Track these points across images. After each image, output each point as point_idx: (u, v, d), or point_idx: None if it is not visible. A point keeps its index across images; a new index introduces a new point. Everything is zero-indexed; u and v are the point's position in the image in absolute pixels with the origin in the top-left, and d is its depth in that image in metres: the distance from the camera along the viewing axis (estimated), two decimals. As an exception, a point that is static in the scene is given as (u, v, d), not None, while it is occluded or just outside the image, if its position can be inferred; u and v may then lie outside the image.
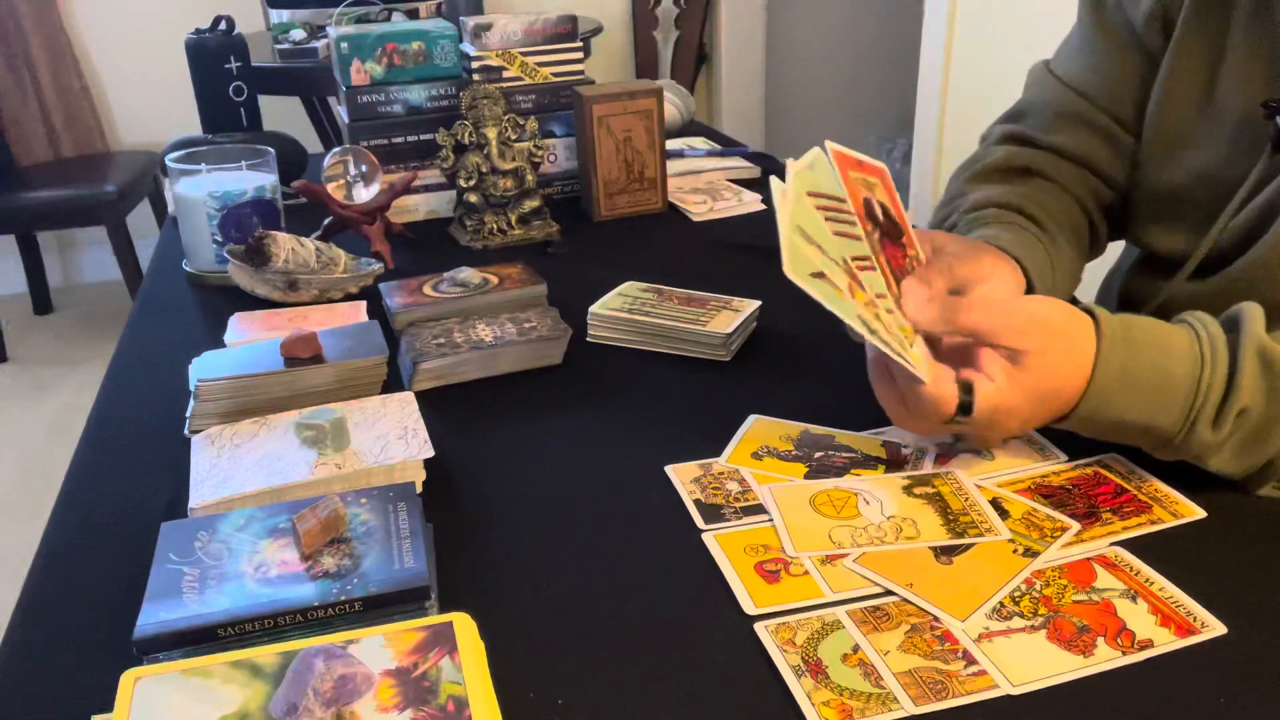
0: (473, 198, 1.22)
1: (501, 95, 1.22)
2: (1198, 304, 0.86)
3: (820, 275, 0.64)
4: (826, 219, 0.68)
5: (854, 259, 0.68)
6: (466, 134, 1.21)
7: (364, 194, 1.18)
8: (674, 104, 1.63)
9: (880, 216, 0.71)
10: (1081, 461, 0.73)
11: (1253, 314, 0.67)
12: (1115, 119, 0.92)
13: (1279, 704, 0.52)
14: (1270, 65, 0.80)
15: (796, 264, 0.63)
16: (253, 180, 1.13)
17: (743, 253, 1.18)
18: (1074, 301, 0.76)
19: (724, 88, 3.96)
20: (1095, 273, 1.07)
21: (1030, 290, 0.81)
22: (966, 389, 0.65)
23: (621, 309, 0.95)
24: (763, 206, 1.32)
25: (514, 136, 1.23)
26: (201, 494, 0.68)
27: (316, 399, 0.80)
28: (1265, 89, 0.80)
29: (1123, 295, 0.97)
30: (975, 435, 0.71)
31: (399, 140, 1.27)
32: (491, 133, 1.21)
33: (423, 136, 1.28)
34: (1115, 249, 1.04)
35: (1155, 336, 0.66)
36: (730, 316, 0.93)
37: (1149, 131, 0.89)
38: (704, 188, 1.40)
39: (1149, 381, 0.65)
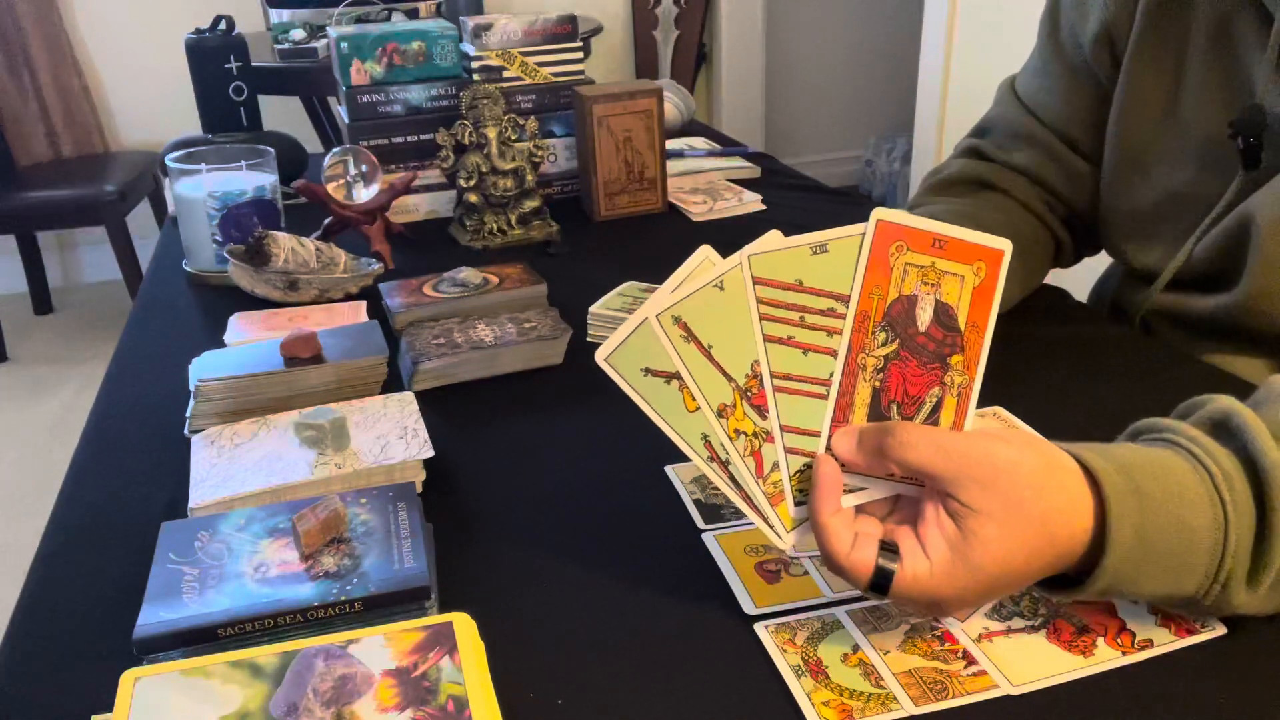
0: (473, 198, 1.22)
1: (501, 95, 1.22)
2: (1186, 320, 0.87)
3: (667, 377, 0.54)
4: (765, 319, 0.55)
5: (778, 374, 0.55)
6: (466, 134, 1.21)
7: (364, 194, 1.18)
8: (674, 104, 1.63)
9: (924, 325, 0.55)
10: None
11: (1254, 428, 0.53)
12: (1066, 140, 0.94)
13: (1279, 704, 0.52)
14: (1231, 84, 0.80)
15: (628, 353, 0.53)
16: (253, 180, 1.13)
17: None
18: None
19: (724, 88, 3.96)
20: (1083, 280, 1.07)
21: None
22: (891, 555, 0.53)
23: (621, 309, 0.95)
24: (763, 206, 1.32)
25: (514, 136, 1.23)
26: (201, 494, 0.68)
27: (316, 399, 0.80)
28: (1228, 108, 0.80)
29: (1114, 304, 0.98)
30: (908, 609, 0.57)
31: (399, 140, 1.27)
32: (491, 133, 1.21)
33: (423, 136, 1.28)
34: (1102, 257, 1.04)
35: (1166, 486, 0.52)
36: (730, 316, 0.93)
37: (1113, 152, 0.90)
38: (704, 188, 1.40)
39: (1171, 546, 0.52)
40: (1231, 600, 0.53)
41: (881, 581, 0.52)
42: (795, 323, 0.55)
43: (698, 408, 0.55)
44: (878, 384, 0.56)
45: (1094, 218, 0.95)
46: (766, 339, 0.55)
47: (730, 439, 0.55)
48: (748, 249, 0.55)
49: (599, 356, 0.56)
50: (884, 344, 0.55)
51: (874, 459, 0.54)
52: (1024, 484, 0.51)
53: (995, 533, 0.50)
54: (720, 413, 0.55)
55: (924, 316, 0.55)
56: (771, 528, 0.56)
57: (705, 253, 0.56)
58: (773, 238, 0.55)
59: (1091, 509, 0.52)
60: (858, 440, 0.54)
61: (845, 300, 0.55)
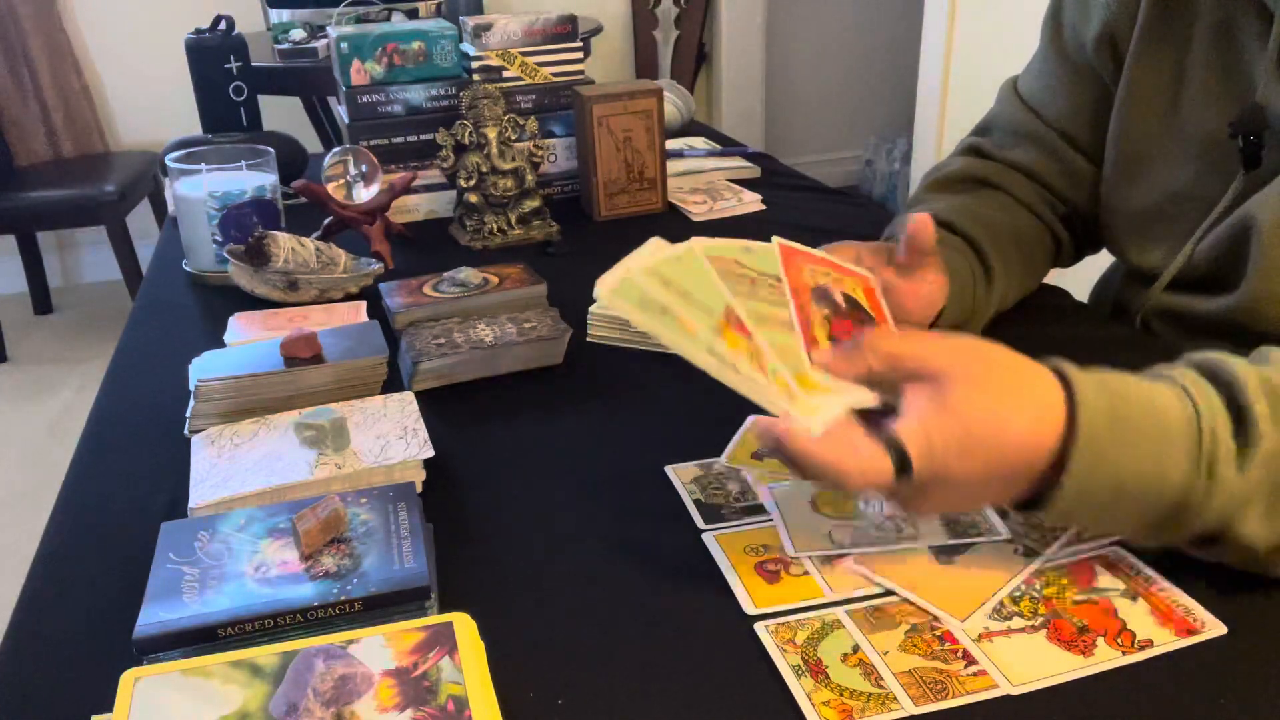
0: (473, 198, 1.22)
1: (501, 95, 1.22)
2: (1187, 321, 0.87)
3: (660, 309, 0.58)
4: (721, 275, 0.60)
5: (751, 314, 0.60)
6: (466, 134, 1.21)
7: (364, 194, 1.18)
8: (674, 104, 1.63)
9: (841, 304, 0.65)
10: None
11: (1226, 360, 0.57)
12: (1068, 140, 0.95)
13: (1279, 704, 0.52)
14: (1233, 84, 0.80)
15: (623, 289, 0.57)
16: (253, 180, 1.13)
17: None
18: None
19: (724, 88, 3.96)
20: (1084, 280, 1.07)
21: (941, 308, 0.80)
22: (893, 446, 0.54)
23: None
24: (763, 206, 1.32)
25: (514, 136, 1.23)
26: (201, 494, 0.68)
27: (316, 399, 0.80)
28: (1230, 108, 0.80)
29: (1116, 303, 0.98)
30: (918, 499, 0.57)
31: (399, 140, 1.27)
32: (491, 133, 1.21)
33: (423, 136, 1.28)
34: (1103, 256, 1.05)
35: (1132, 384, 0.56)
36: (730, 316, 0.93)
37: (1114, 152, 0.90)
38: (704, 188, 1.40)
39: (1144, 423, 0.54)
40: (1225, 484, 0.53)
41: (900, 456, 0.54)
42: (746, 286, 0.61)
43: (694, 333, 0.58)
44: (829, 330, 0.63)
45: (1094, 217, 0.95)
46: (733, 293, 0.60)
47: (733, 352, 0.58)
48: (692, 240, 0.62)
49: (600, 290, 0.60)
50: (818, 310, 0.63)
51: (849, 359, 0.59)
52: (988, 359, 0.56)
53: (964, 392, 0.54)
54: (719, 334, 0.58)
55: (839, 298, 0.65)
56: (797, 412, 0.58)
57: (655, 241, 0.63)
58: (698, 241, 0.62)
59: (1063, 403, 0.54)
60: (836, 349, 0.60)
61: (778, 279, 0.63)
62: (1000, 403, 0.54)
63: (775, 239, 0.65)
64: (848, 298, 0.66)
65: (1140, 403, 0.55)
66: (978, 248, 0.89)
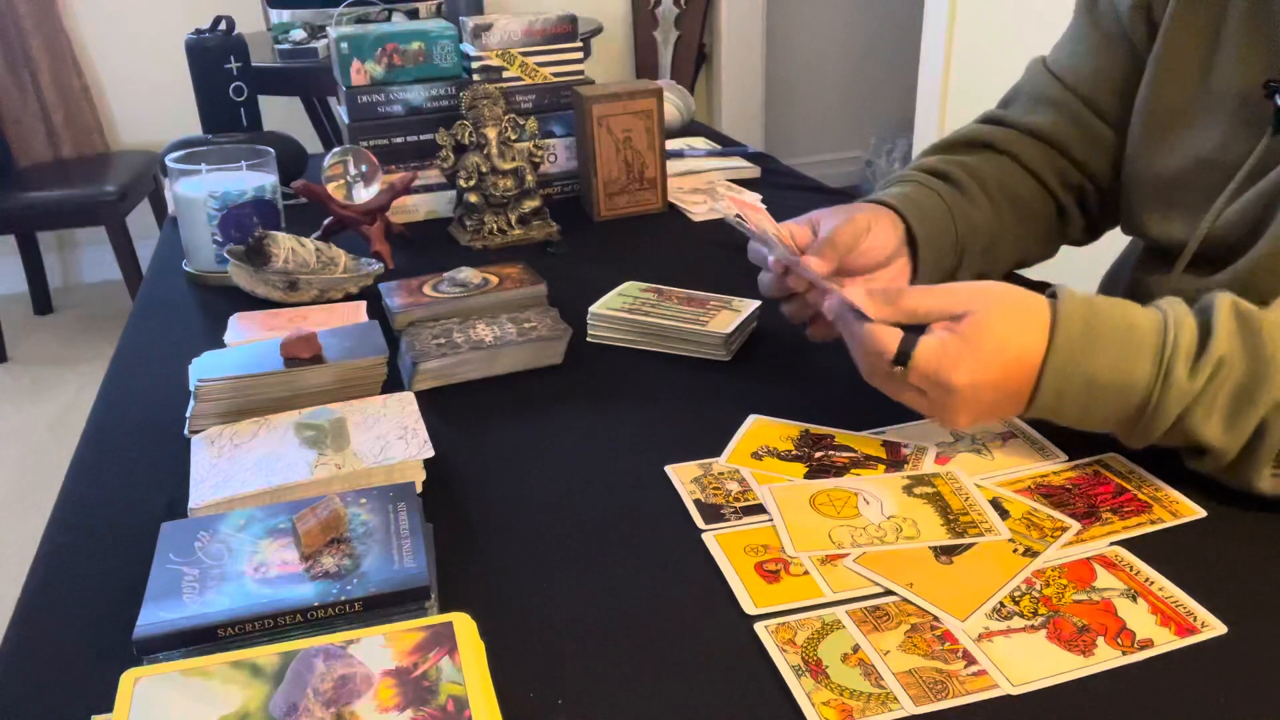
0: (473, 198, 1.22)
1: (501, 95, 1.22)
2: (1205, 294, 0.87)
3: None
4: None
5: None
6: (466, 134, 1.21)
7: (364, 194, 1.18)
8: (674, 104, 1.63)
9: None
10: (1081, 461, 0.73)
11: (1218, 294, 0.66)
12: (1092, 106, 0.95)
13: (1279, 704, 0.52)
14: (1270, 47, 0.80)
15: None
16: (253, 180, 1.13)
17: (743, 253, 1.17)
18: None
19: (724, 88, 3.96)
20: (1093, 274, 1.07)
21: (911, 236, 0.88)
22: (909, 342, 0.67)
23: (621, 309, 0.95)
24: (762, 207, 1.32)
25: (514, 136, 1.23)
26: (201, 494, 0.68)
27: (316, 399, 0.80)
28: (1264, 71, 0.80)
29: (1129, 290, 0.98)
30: (931, 406, 0.69)
31: (399, 140, 1.27)
32: (491, 133, 1.21)
33: (423, 136, 1.28)
34: (1117, 244, 1.04)
35: (1113, 301, 0.67)
36: (730, 316, 0.93)
37: (1142, 117, 0.90)
38: (704, 188, 1.40)
39: (1115, 332, 0.65)
40: (1178, 384, 0.63)
41: (907, 348, 0.66)
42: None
43: None
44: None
45: (1112, 189, 0.96)
46: None
47: None
48: None
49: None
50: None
51: (877, 310, 0.69)
52: (996, 295, 0.67)
53: (979, 320, 0.66)
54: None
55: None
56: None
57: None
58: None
59: (1049, 317, 0.66)
60: (872, 297, 0.70)
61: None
62: (1003, 325, 0.66)
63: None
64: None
65: (1115, 314, 0.66)
66: (954, 181, 0.92)
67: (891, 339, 0.67)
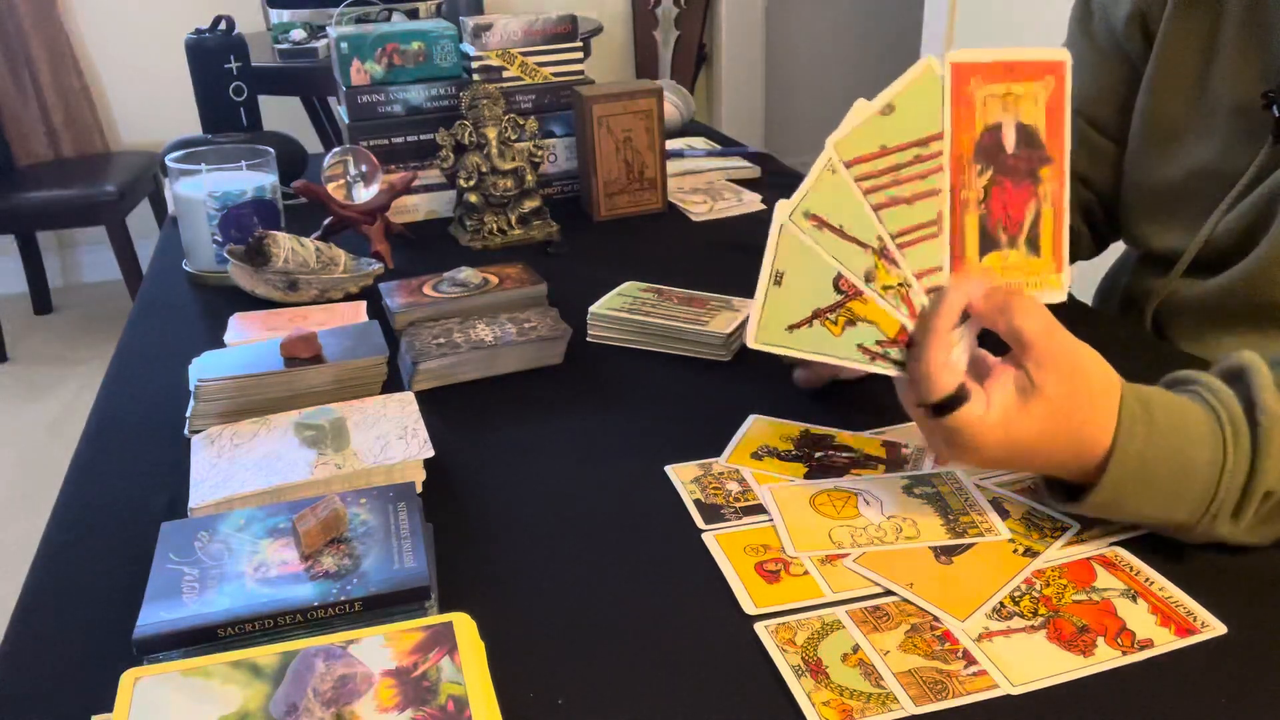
0: (473, 198, 1.22)
1: (501, 95, 1.22)
2: (1199, 304, 0.87)
3: (800, 324, 0.62)
4: (868, 191, 0.61)
5: (896, 234, 0.62)
6: (466, 134, 1.21)
7: (364, 194, 1.18)
8: (674, 104, 1.63)
9: (1011, 147, 0.63)
10: (1081, 461, 0.73)
11: (1262, 380, 0.60)
12: (1094, 124, 0.95)
13: (1279, 704, 0.52)
14: (1265, 58, 0.80)
15: (767, 328, 0.61)
16: (253, 180, 1.13)
17: (742, 253, 1.18)
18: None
19: (724, 88, 3.96)
20: (1089, 280, 1.07)
21: None
22: (961, 391, 0.60)
23: (621, 309, 0.95)
24: (762, 206, 1.32)
25: (514, 136, 1.23)
26: (201, 494, 0.68)
27: (316, 399, 0.80)
28: (1261, 81, 0.80)
29: (1125, 296, 0.98)
30: (937, 443, 0.64)
31: (399, 140, 1.27)
32: (491, 133, 1.21)
33: (423, 136, 1.28)
34: (1114, 249, 1.04)
35: (1175, 420, 0.60)
36: (730, 316, 0.93)
37: (1140, 128, 0.90)
38: (704, 188, 1.40)
39: (1169, 473, 0.59)
40: (1219, 529, 0.60)
41: (952, 404, 0.59)
42: (890, 184, 0.62)
43: (841, 330, 0.62)
44: (982, 212, 0.63)
45: (1115, 201, 0.95)
46: (875, 208, 0.62)
47: (881, 294, 0.62)
48: (832, 135, 0.62)
49: (751, 343, 0.62)
50: (980, 174, 0.62)
51: (992, 313, 0.61)
52: (1086, 391, 0.59)
53: (1044, 415, 0.58)
54: (868, 279, 0.62)
55: (1010, 141, 0.62)
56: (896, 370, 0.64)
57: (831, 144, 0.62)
58: (854, 112, 0.62)
59: (1106, 446, 0.59)
60: (985, 293, 0.61)
61: (927, 143, 0.61)
62: (1057, 441, 0.60)
63: (950, 57, 0.61)
64: (1023, 131, 0.63)
65: (1173, 443, 0.59)
66: None
67: (943, 385, 0.60)
